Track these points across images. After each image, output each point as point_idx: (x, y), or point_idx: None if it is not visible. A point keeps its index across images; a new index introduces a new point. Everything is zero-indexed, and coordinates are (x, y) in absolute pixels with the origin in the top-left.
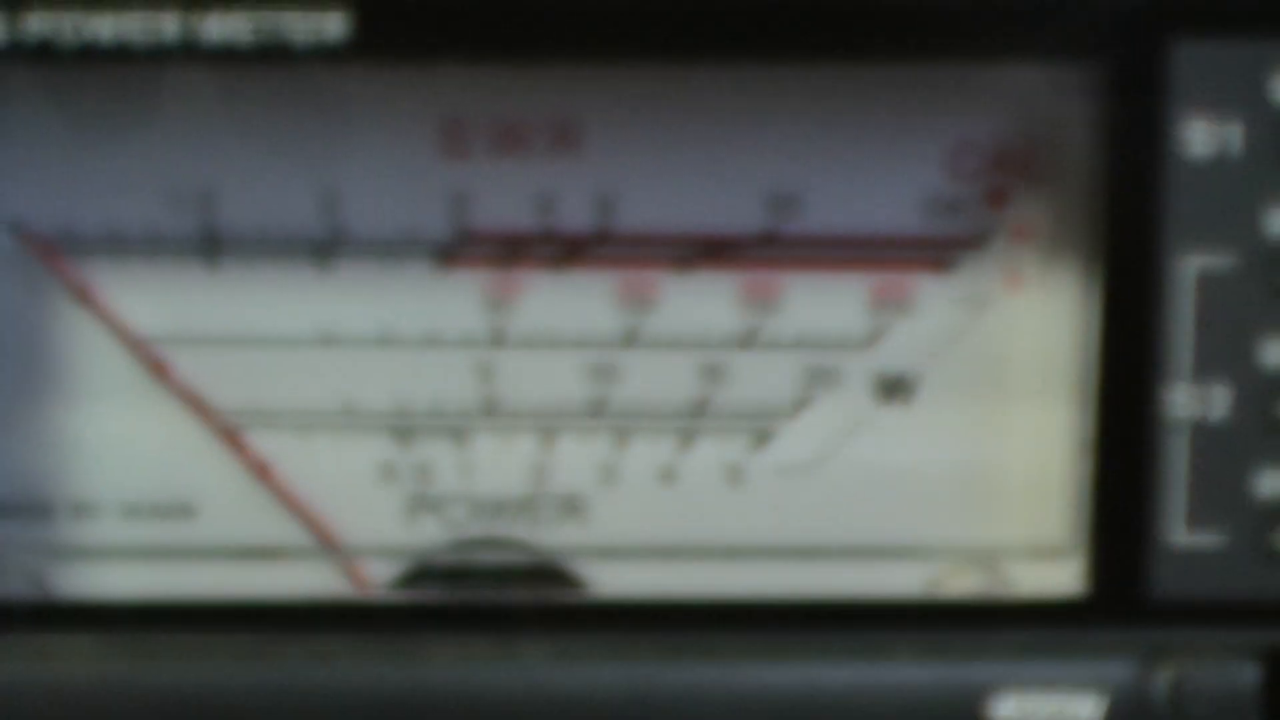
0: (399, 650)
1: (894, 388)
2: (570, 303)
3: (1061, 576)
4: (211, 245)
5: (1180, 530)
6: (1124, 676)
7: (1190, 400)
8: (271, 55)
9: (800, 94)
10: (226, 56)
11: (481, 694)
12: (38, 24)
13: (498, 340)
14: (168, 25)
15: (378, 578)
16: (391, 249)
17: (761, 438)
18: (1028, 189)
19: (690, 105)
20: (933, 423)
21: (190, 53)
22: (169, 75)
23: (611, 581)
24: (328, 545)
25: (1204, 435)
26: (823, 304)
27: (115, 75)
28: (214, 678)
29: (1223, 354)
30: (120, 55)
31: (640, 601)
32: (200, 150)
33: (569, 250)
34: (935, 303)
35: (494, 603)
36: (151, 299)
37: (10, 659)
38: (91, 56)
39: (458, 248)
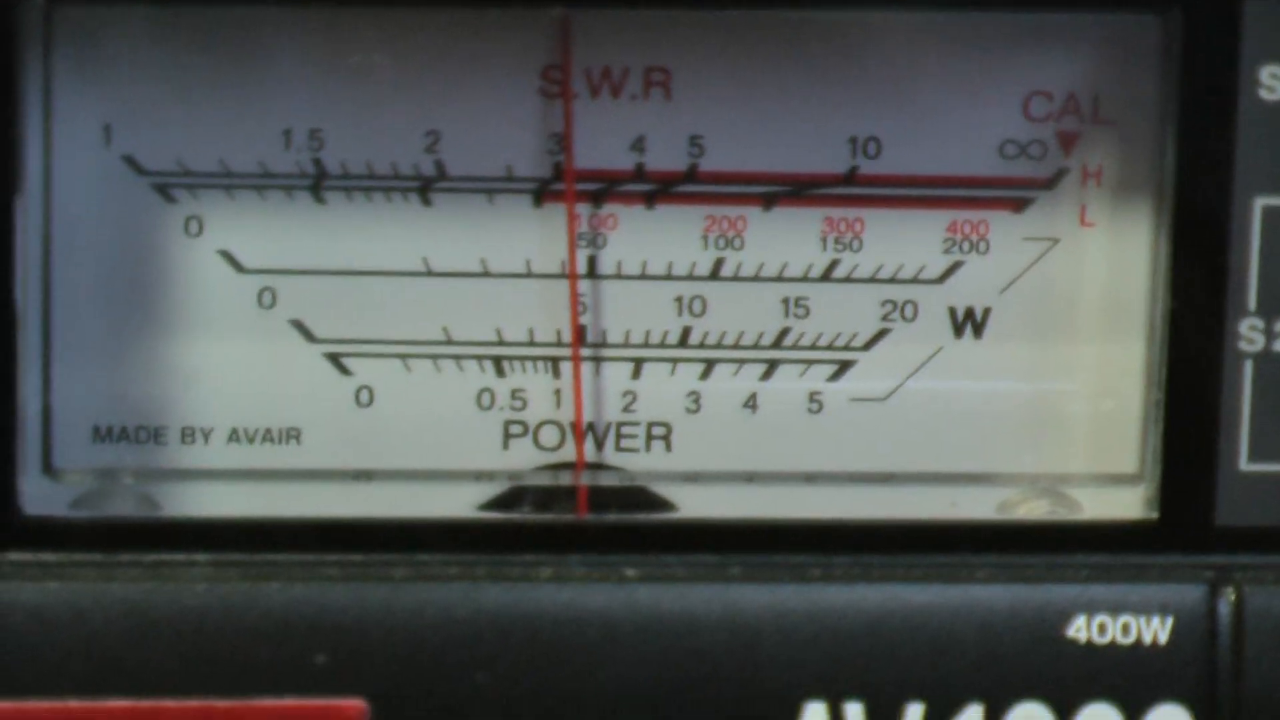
0: (495, 570)
1: (967, 321)
2: (660, 238)
3: (1126, 504)
4: (318, 181)
5: (1245, 459)
6: (1191, 599)
7: (1256, 333)
8: None
9: (881, 40)
10: None
11: (578, 612)
12: None
13: (590, 273)
14: None
15: (475, 500)
16: (491, 186)
17: (840, 368)
18: (1098, 133)
19: (775, 52)
20: (1004, 355)
21: None
22: (280, 17)
23: (697, 505)
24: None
25: (1269, 367)
26: (901, 241)
27: (227, 17)
28: (321, 596)
29: None
30: None
31: (725, 523)
32: (309, 91)
33: (659, 188)
34: (1008, 240)
35: (584, 524)
36: (260, 232)
37: (124, 577)
38: None
39: (553, 184)
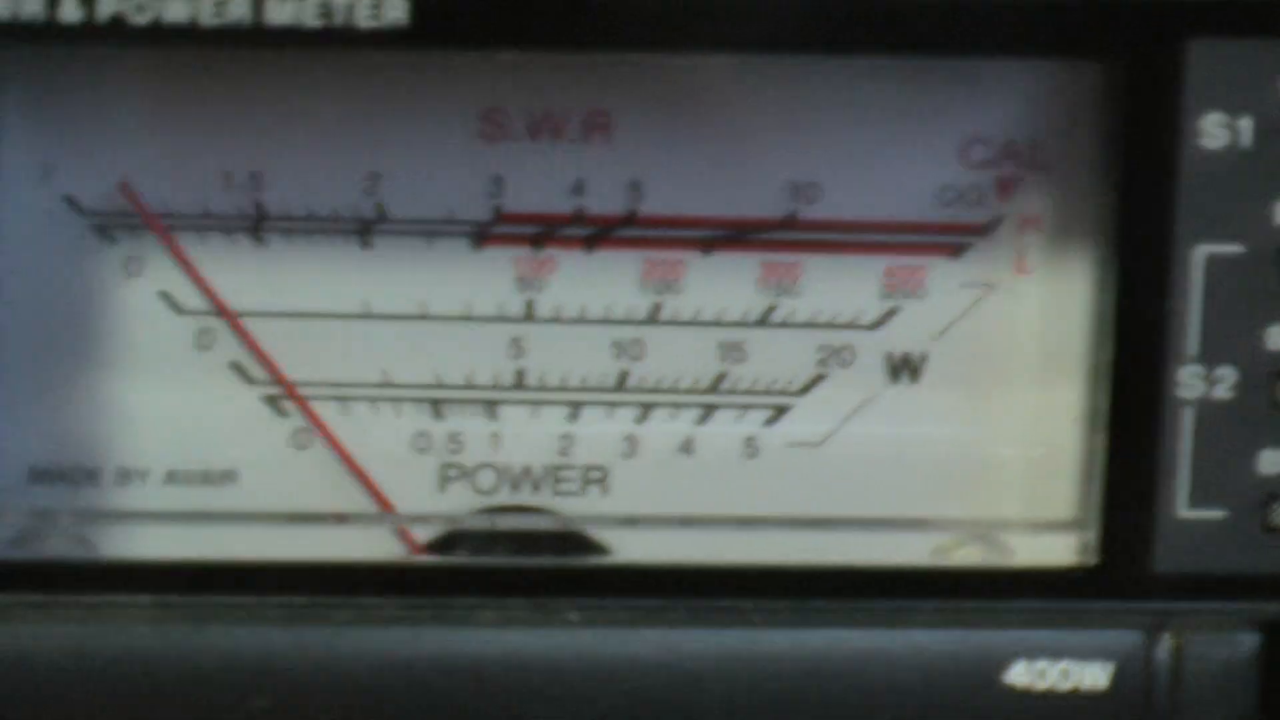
0: (437, 614)
1: (903, 367)
2: (598, 282)
3: (1060, 550)
4: (259, 223)
5: (1185, 505)
6: (1130, 645)
7: (1196, 380)
8: (335, 38)
9: (820, 86)
10: (291, 38)
11: (522, 656)
12: (109, 3)
13: (529, 316)
14: (236, 7)
15: (411, 543)
16: (430, 228)
17: (776, 413)
18: (1036, 179)
19: (715, 96)
20: (940, 401)
21: (257, 34)
22: (221, 61)
23: (633, 548)
24: (364, 511)
25: (1210, 415)
26: (838, 286)
27: (171, 58)
28: (263, 639)
29: (1230, 338)
30: (190, 36)
31: (666, 567)
32: (251, 132)
33: (598, 231)
34: (945, 286)
35: (520, 567)
36: (201, 273)
37: (65, 618)
38: (161, 37)
39: (493, 228)
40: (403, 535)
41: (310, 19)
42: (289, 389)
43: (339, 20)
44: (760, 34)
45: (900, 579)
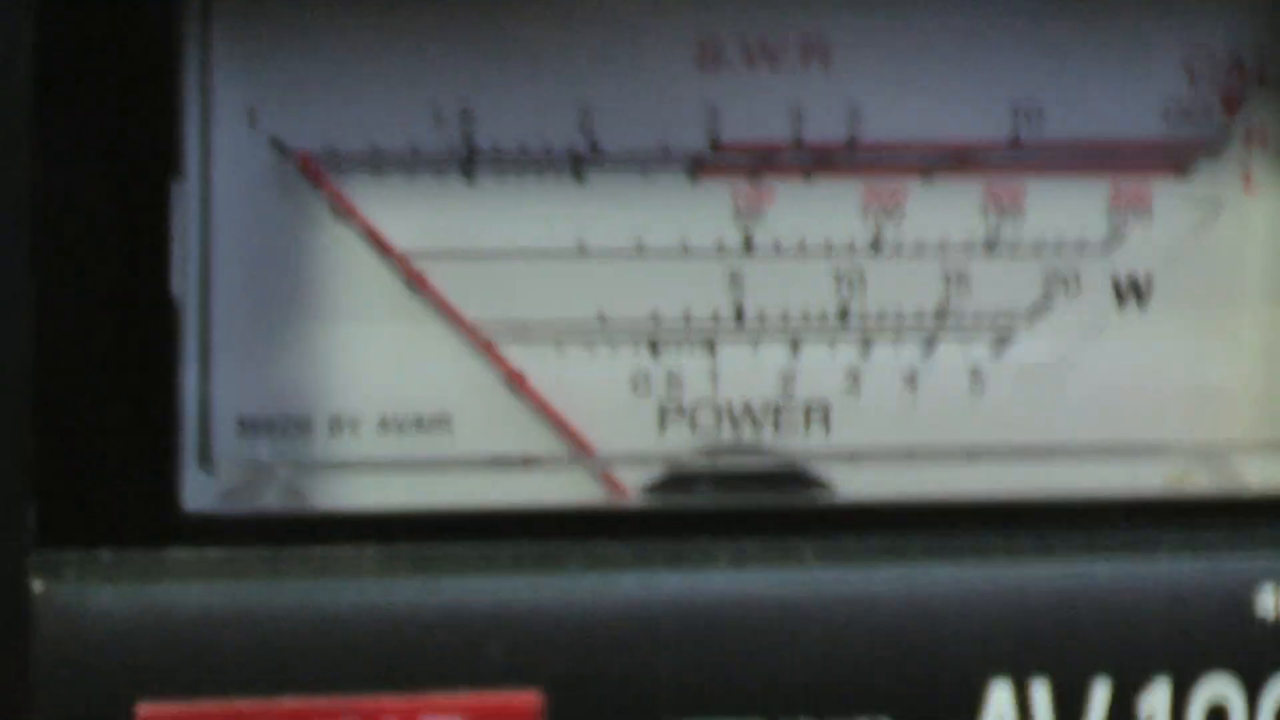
0: (671, 558)
1: (1130, 290)
2: (818, 212)
3: None
4: (469, 161)
5: None
6: None
7: None
8: None
9: (1039, 4)
10: None
11: (758, 598)
12: None
13: (748, 249)
14: None
15: (632, 485)
16: (646, 161)
17: (1002, 341)
18: (1263, 93)
19: (933, 19)
20: (1169, 325)
21: None
22: None
23: (857, 485)
24: (582, 454)
25: None
26: (1063, 209)
27: None
28: (493, 587)
29: None
30: None
31: (901, 503)
32: (459, 68)
33: (817, 160)
34: (1171, 206)
35: (751, 508)
36: (410, 214)
37: (291, 573)
38: None
39: (709, 159)
40: (616, 479)
41: None
42: (500, 332)
43: None
44: None
45: (1142, 508)
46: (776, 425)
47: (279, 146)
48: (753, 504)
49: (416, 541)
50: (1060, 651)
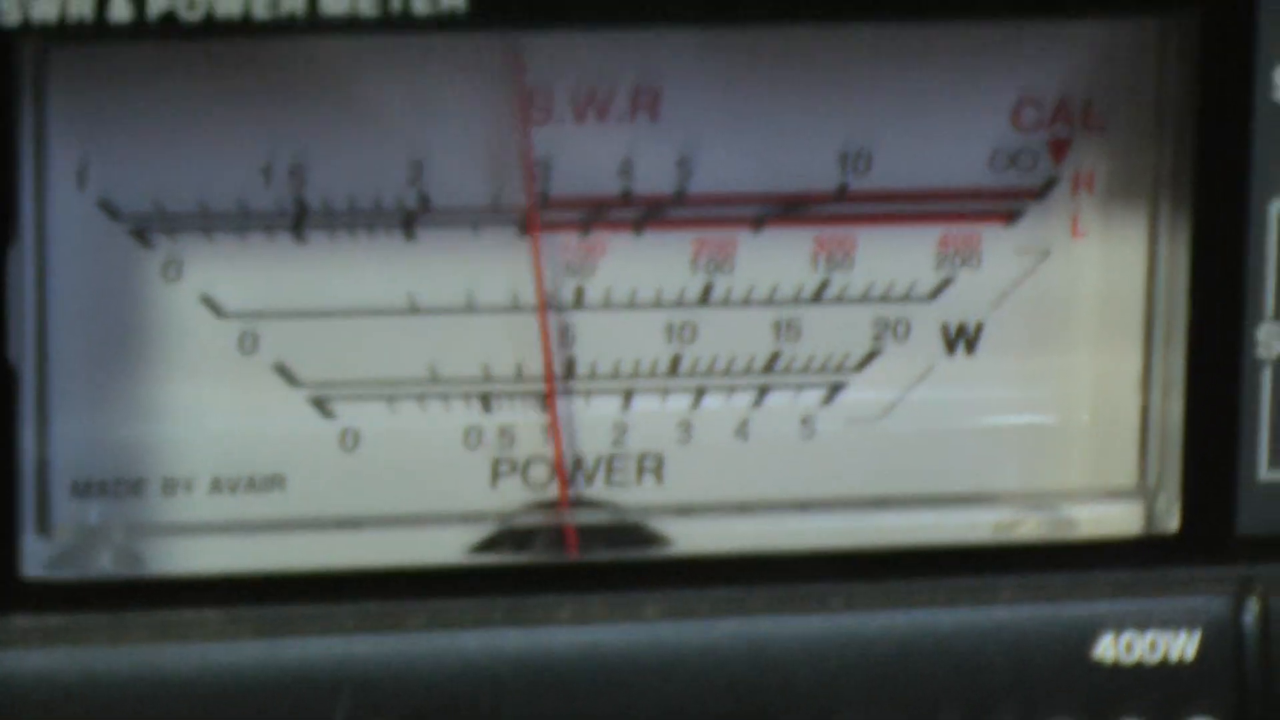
0: (513, 614)
1: (959, 337)
2: (649, 264)
3: (1125, 519)
4: (299, 219)
5: (1265, 467)
6: (1216, 611)
7: (1274, 339)
8: (392, 25)
9: (869, 52)
10: (348, 26)
11: (601, 653)
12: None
13: (578, 303)
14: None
15: (464, 543)
16: (476, 216)
17: (833, 390)
18: (1089, 139)
19: (762, 67)
20: (998, 371)
21: (313, 23)
22: (258, 50)
23: (692, 537)
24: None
25: None
26: (892, 257)
27: (201, 50)
28: (338, 648)
29: None
30: (243, 29)
31: (736, 556)
32: (289, 125)
33: (647, 212)
34: (1000, 252)
35: (590, 563)
36: (241, 273)
37: (135, 638)
38: (213, 31)
39: (540, 213)
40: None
41: (366, 7)
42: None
43: (395, 7)
44: (806, 3)
45: (979, 555)
46: (610, 478)
47: (109, 208)
48: (591, 559)
49: (258, 604)
50: (902, 699)
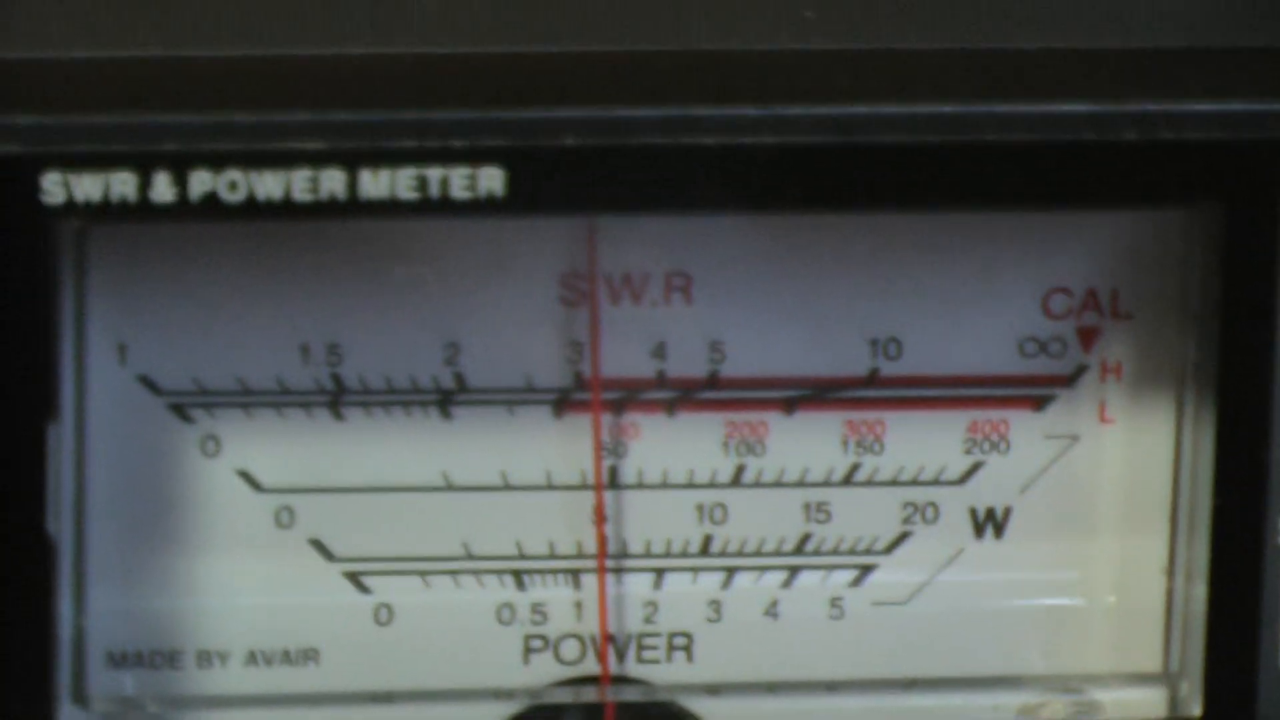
0: None
1: (988, 521)
2: (681, 445)
3: (1149, 704)
4: (336, 397)
5: None
6: None
7: None
8: (433, 208)
9: (899, 240)
10: (388, 210)
11: None
12: (202, 182)
13: (611, 483)
14: (329, 181)
15: (495, 718)
16: (511, 397)
17: (862, 571)
18: (1118, 327)
19: (794, 254)
20: (1026, 553)
21: (353, 207)
22: (297, 230)
23: (722, 716)
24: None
25: None
26: (921, 442)
27: (241, 231)
28: None
29: None
30: (284, 212)
31: None
32: (326, 305)
33: (680, 395)
34: (1028, 438)
35: None
36: (278, 449)
37: None
38: (254, 213)
39: (574, 394)
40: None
41: (404, 191)
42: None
43: (434, 192)
44: (840, 192)
45: None
46: (641, 655)
47: (149, 384)
48: None
49: None
50: None
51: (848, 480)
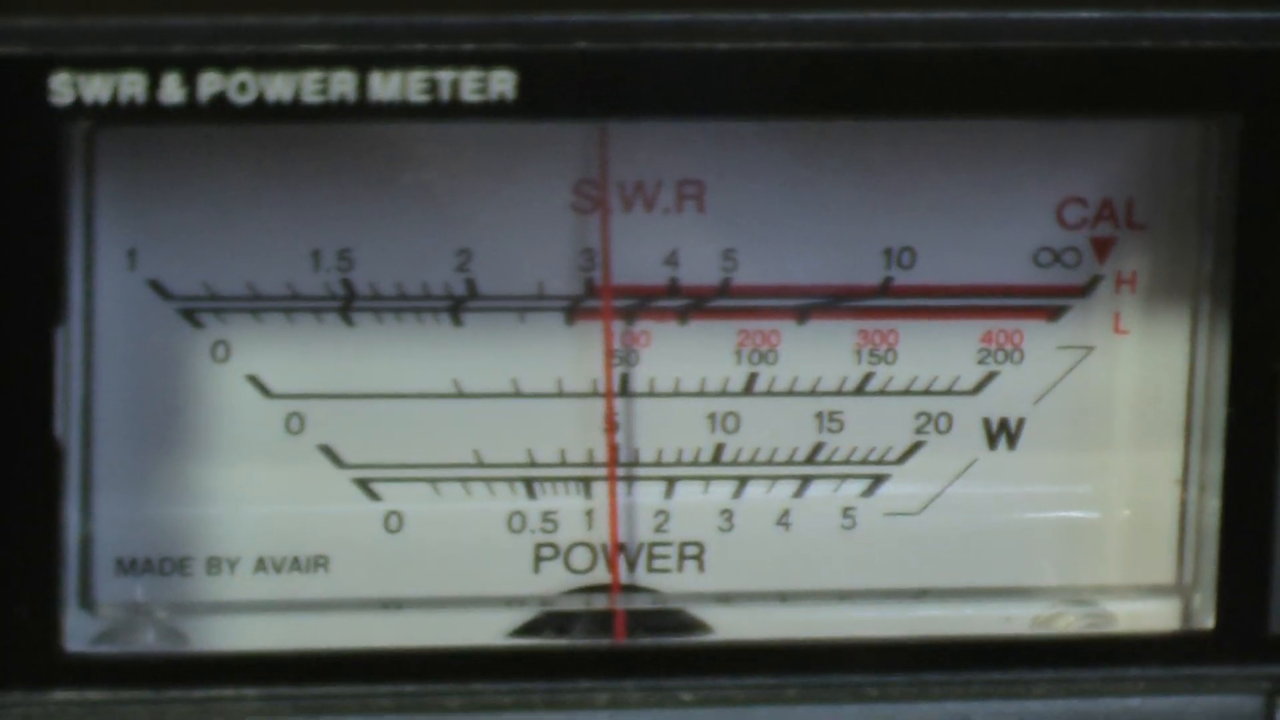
0: (550, 697)
1: (1001, 432)
2: (693, 354)
3: (1162, 615)
4: (347, 303)
5: None
6: (1249, 710)
7: None
8: (440, 113)
9: (914, 149)
10: (398, 113)
11: None
12: (211, 83)
13: (623, 391)
14: (339, 84)
15: (505, 626)
16: (523, 304)
17: (874, 482)
18: (1132, 238)
19: (808, 162)
20: (1039, 467)
21: (363, 109)
22: (309, 134)
23: (732, 626)
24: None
25: None
26: (935, 352)
27: (252, 136)
28: None
29: None
30: (293, 114)
31: (773, 644)
32: (338, 212)
33: (692, 303)
34: (1042, 349)
35: (631, 648)
36: (289, 356)
37: (174, 715)
38: (264, 115)
39: (585, 302)
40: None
41: (415, 94)
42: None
43: (444, 95)
44: (854, 99)
45: (1014, 649)
46: (651, 565)
47: (159, 289)
48: (629, 645)
49: (297, 683)
50: None
51: (860, 390)
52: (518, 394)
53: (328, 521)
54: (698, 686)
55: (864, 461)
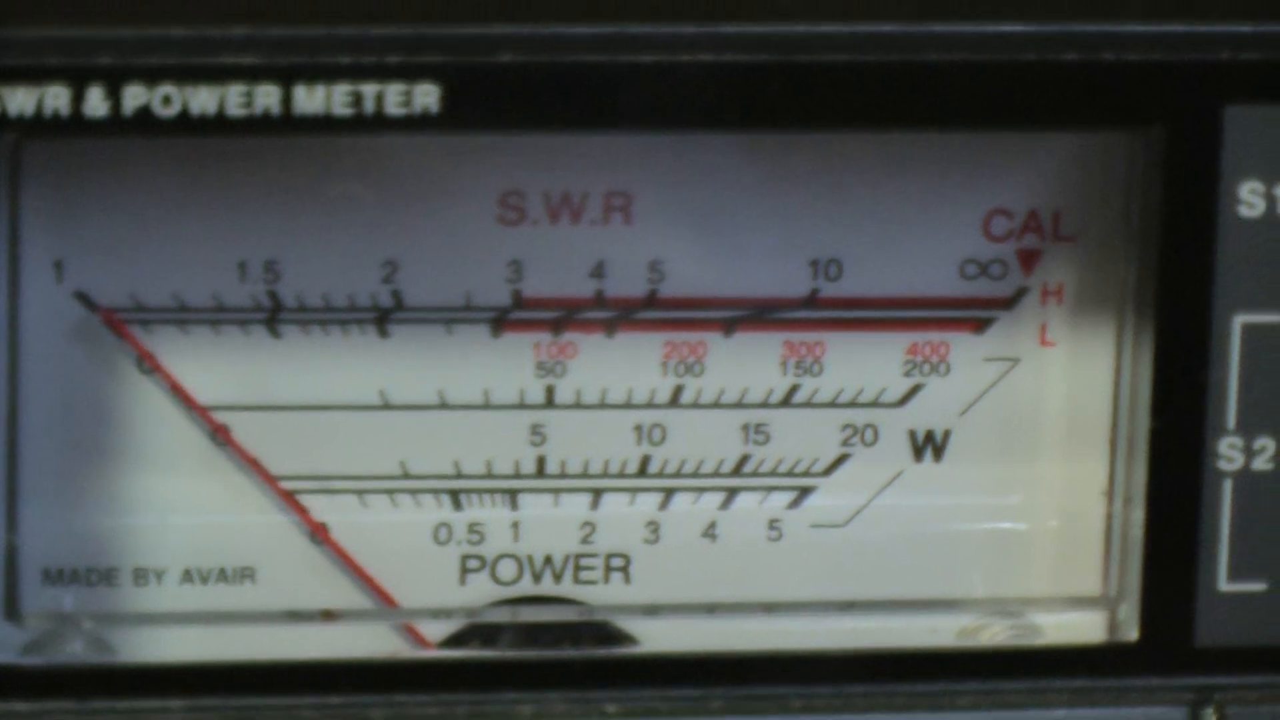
0: (475, 709)
1: (927, 444)
2: (620, 365)
3: (1088, 627)
4: (274, 315)
5: (1225, 579)
6: None
7: (1235, 452)
8: (365, 126)
9: (840, 160)
10: (320, 126)
11: None
12: (135, 96)
13: (549, 403)
14: (263, 97)
15: (431, 638)
16: (449, 315)
17: (801, 493)
18: (1059, 250)
19: (735, 174)
20: (966, 476)
21: (287, 123)
22: (234, 146)
23: (658, 637)
24: (384, 607)
25: (1248, 486)
26: (861, 364)
27: (181, 147)
28: None
29: (1269, 408)
30: (218, 127)
31: (702, 656)
32: (264, 222)
33: (619, 315)
34: (968, 361)
35: (555, 660)
36: (215, 367)
37: None
38: (188, 128)
39: (512, 313)
40: (416, 631)
41: (339, 107)
42: (303, 484)
43: (369, 108)
44: (780, 111)
45: (938, 661)
46: (578, 576)
47: (85, 300)
48: (555, 656)
49: (223, 694)
50: None
51: (787, 401)
52: (444, 405)
53: (254, 532)
54: (624, 698)
55: (790, 473)
